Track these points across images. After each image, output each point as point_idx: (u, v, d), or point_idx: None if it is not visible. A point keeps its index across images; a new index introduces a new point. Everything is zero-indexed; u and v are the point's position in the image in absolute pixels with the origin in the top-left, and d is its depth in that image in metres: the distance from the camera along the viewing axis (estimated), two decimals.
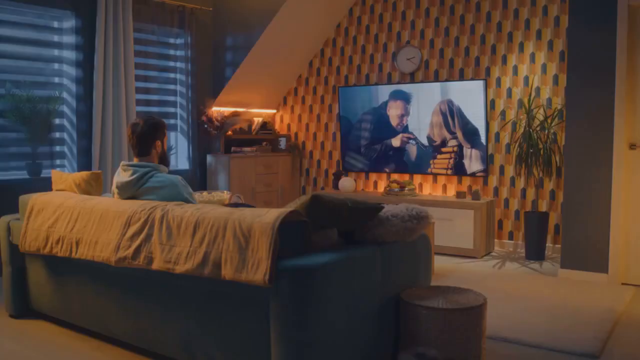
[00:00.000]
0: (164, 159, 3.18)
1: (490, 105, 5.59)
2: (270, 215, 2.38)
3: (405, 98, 5.88)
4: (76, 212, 3.05)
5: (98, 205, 3.00)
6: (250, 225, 2.38)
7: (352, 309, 2.46)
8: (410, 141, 5.90)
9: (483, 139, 5.49)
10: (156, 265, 2.60)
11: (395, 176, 6.14)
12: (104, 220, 2.90)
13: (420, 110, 5.81)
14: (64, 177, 3.47)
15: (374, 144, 6.13)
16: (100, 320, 3.04)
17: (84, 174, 3.40)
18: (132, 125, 3.13)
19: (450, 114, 5.64)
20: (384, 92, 5.99)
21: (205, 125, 6.06)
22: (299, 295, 2.26)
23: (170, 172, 3.20)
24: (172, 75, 5.92)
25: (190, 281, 2.56)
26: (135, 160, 3.13)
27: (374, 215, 2.66)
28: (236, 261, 2.37)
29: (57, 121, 5.03)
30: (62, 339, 3.17)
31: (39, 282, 3.36)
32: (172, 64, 5.90)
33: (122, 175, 3.07)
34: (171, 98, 5.93)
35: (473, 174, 5.62)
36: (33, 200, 3.32)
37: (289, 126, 6.90)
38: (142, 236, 2.69)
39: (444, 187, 5.89)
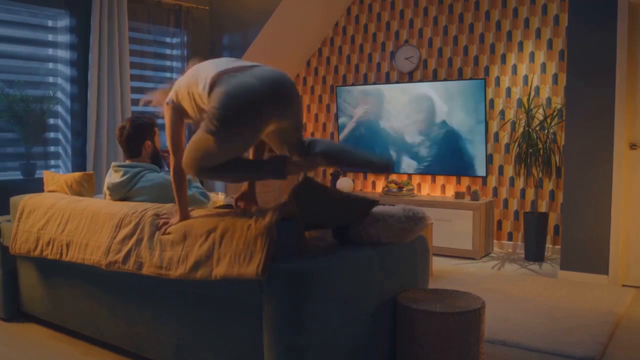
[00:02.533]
0: (156, 159, 3.13)
1: (489, 105, 5.54)
2: (264, 215, 2.32)
3: (404, 99, 5.83)
4: (67, 214, 3.00)
5: (89, 207, 2.95)
6: (245, 223, 2.32)
7: (348, 312, 2.41)
8: (410, 141, 5.84)
9: (482, 139, 5.43)
10: (147, 270, 2.55)
11: (393, 176, 6.09)
12: (94, 223, 2.85)
13: (419, 111, 5.75)
14: (56, 178, 3.42)
15: (375, 144, 6.08)
16: (92, 324, 2.99)
17: (76, 175, 3.35)
18: (119, 129, 3.09)
19: (449, 114, 5.59)
20: (382, 91, 5.94)
21: None
22: (294, 298, 2.21)
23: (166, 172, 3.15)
24: (168, 74, 5.86)
25: (183, 284, 2.51)
26: (127, 162, 3.09)
27: (368, 208, 2.60)
28: (228, 257, 2.31)
29: (51, 121, 4.98)
30: (53, 342, 3.12)
31: (30, 284, 3.31)
32: (168, 63, 5.85)
33: (113, 177, 3.02)
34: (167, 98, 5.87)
35: (472, 174, 5.57)
36: (24, 201, 3.27)
37: None
38: (132, 240, 2.63)
39: (443, 188, 5.84)
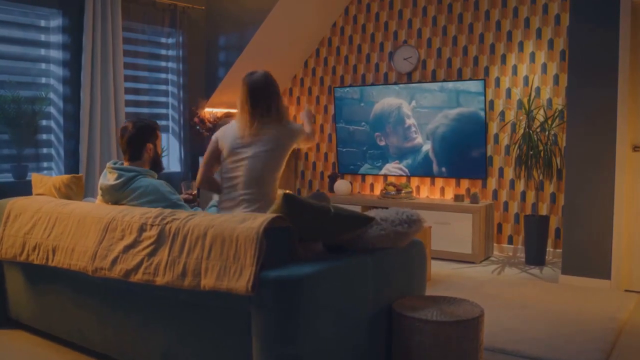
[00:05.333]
0: (156, 163, 3.02)
1: (489, 106, 5.45)
2: (254, 221, 2.24)
3: (403, 99, 5.74)
4: (53, 218, 2.91)
5: (76, 210, 2.86)
6: (233, 231, 2.24)
7: (342, 320, 2.32)
8: (408, 143, 5.76)
9: (482, 141, 5.35)
10: (133, 276, 2.46)
11: (392, 178, 6.00)
12: (81, 227, 2.76)
13: (417, 111, 5.67)
14: (44, 180, 3.34)
15: (371, 146, 6.00)
16: (79, 331, 2.91)
17: (64, 177, 3.27)
18: (121, 129, 3.00)
19: (447, 115, 5.51)
20: (380, 92, 5.86)
21: (198, 127, 5.92)
22: (284, 307, 2.12)
23: (163, 175, 3.07)
24: (163, 75, 5.78)
25: (171, 292, 2.43)
26: (125, 164, 2.98)
27: (361, 225, 2.49)
28: (217, 269, 2.23)
29: (43, 122, 4.90)
30: (40, 350, 3.03)
31: (17, 290, 3.22)
32: (163, 63, 5.76)
33: (107, 178, 2.92)
34: (162, 99, 5.80)
35: (471, 177, 5.49)
36: (10, 205, 3.18)
37: None
38: (119, 245, 2.54)
39: (442, 190, 5.75)
